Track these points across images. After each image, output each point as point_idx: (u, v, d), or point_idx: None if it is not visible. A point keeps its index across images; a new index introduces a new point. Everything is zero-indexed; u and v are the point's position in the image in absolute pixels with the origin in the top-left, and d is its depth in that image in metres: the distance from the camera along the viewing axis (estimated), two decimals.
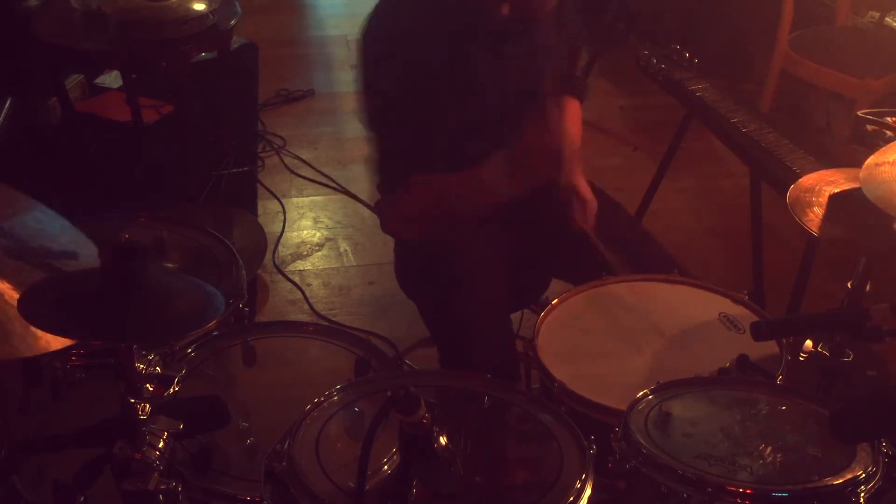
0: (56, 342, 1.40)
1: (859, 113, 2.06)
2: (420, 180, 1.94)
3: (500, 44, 1.97)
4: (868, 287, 2.09)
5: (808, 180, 2.08)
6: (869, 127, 2.02)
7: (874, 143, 2.03)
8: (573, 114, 2.16)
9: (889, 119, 2.02)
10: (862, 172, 1.78)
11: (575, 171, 2.04)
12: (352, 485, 1.32)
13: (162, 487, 1.38)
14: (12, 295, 1.42)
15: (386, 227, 2.16)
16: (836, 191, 2.02)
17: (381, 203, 2.09)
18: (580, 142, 2.13)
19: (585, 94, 2.27)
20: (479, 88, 1.97)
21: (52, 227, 1.68)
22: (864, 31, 3.94)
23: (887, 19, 3.90)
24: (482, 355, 1.89)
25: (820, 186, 2.04)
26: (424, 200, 1.98)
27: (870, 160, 1.80)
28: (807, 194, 2.02)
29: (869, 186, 1.74)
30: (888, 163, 1.78)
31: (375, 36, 1.96)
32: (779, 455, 1.44)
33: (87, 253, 1.67)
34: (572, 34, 2.14)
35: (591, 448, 1.47)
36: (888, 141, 1.99)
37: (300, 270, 3.24)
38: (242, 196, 3.56)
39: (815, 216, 1.96)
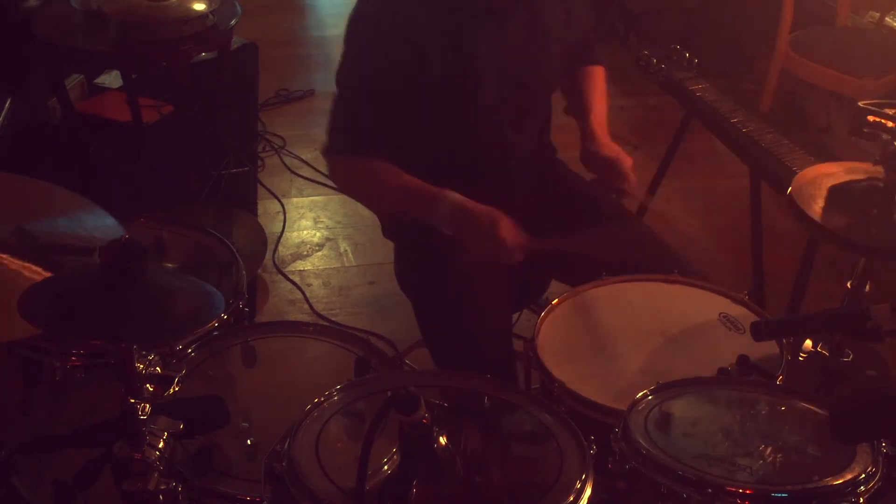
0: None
1: (860, 103, 2.04)
2: (379, 169, 1.95)
3: (501, 24, 1.95)
4: (868, 287, 2.09)
5: (808, 173, 2.07)
6: (870, 117, 2.01)
7: (874, 134, 2.02)
8: (599, 83, 2.24)
9: (889, 111, 2.01)
10: None
11: (604, 141, 2.08)
12: (352, 485, 1.32)
13: (162, 487, 1.38)
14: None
15: (332, 177, 2.32)
16: (836, 183, 2.01)
17: (335, 157, 2.05)
18: (605, 108, 2.20)
19: (601, 55, 2.32)
20: (474, 69, 1.96)
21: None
22: (864, 31, 3.94)
23: (887, 19, 3.89)
24: (480, 356, 1.88)
25: (820, 179, 2.04)
26: (372, 183, 2.01)
27: None
28: (809, 187, 2.01)
29: None
30: None
31: (363, 9, 1.95)
32: (779, 455, 1.44)
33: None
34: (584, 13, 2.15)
35: (591, 448, 1.47)
36: (888, 132, 1.98)
37: (300, 270, 3.24)
38: (242, 196, 3.57)
39: (817, 208, 1.95)
